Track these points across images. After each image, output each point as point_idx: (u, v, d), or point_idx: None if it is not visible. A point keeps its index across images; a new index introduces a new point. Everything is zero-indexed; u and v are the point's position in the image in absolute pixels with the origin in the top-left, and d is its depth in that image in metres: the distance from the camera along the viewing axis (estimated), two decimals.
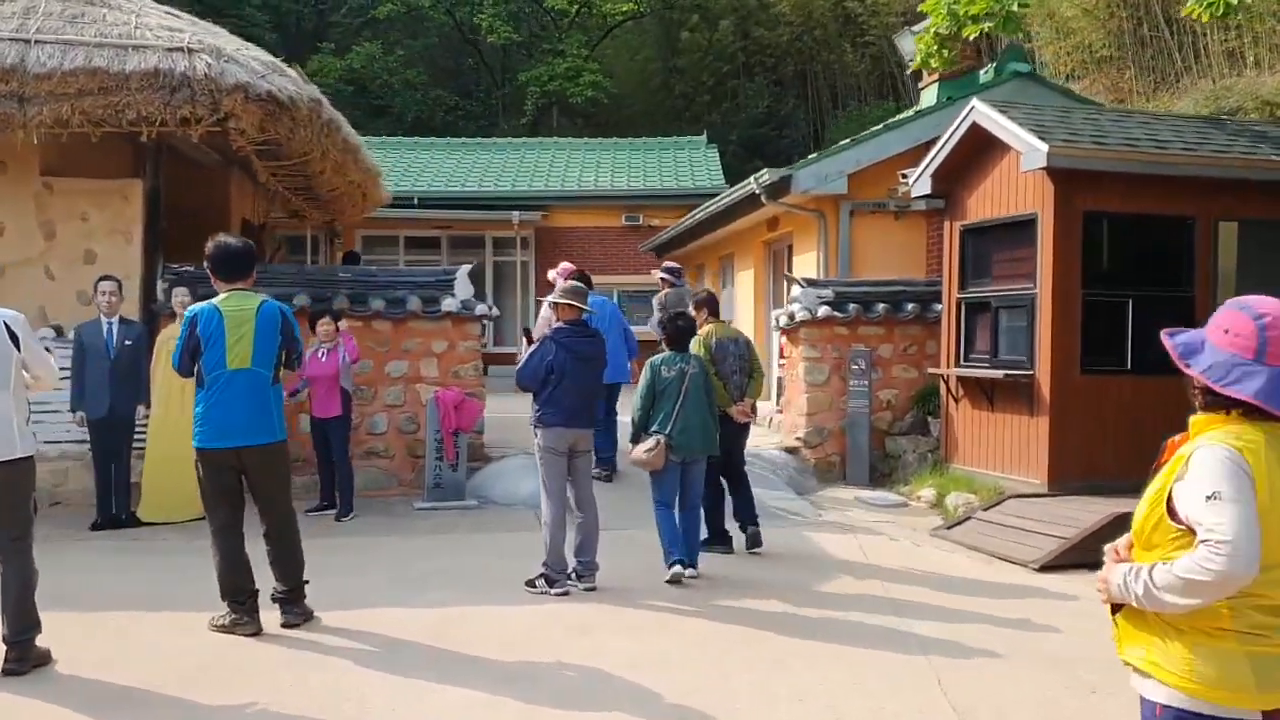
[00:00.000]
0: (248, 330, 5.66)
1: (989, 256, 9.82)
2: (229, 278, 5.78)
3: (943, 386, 10.43)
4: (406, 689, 4.84)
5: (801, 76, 32.11)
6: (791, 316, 11.27)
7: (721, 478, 7.94)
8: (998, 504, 8.75)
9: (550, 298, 6.93)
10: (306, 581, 5.91)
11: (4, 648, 4.99)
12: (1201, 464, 2.43)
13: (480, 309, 10.17)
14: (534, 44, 33.83)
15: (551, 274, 8.86)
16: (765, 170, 12.54)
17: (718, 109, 30.97)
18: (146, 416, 8.65)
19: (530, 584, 6.57)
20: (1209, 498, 2.38)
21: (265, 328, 5.72)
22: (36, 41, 8.54)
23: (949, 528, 8.70)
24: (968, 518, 8.76)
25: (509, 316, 20.81)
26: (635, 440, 7.03)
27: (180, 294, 8.80)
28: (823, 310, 11.03)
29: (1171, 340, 2.58)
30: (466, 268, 10.43)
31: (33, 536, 5.10)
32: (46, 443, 8.65)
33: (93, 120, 8.68)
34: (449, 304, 10.05)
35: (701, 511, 7.38)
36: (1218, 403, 2.52)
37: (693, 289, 8.61)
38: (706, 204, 15.50)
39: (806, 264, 13.06)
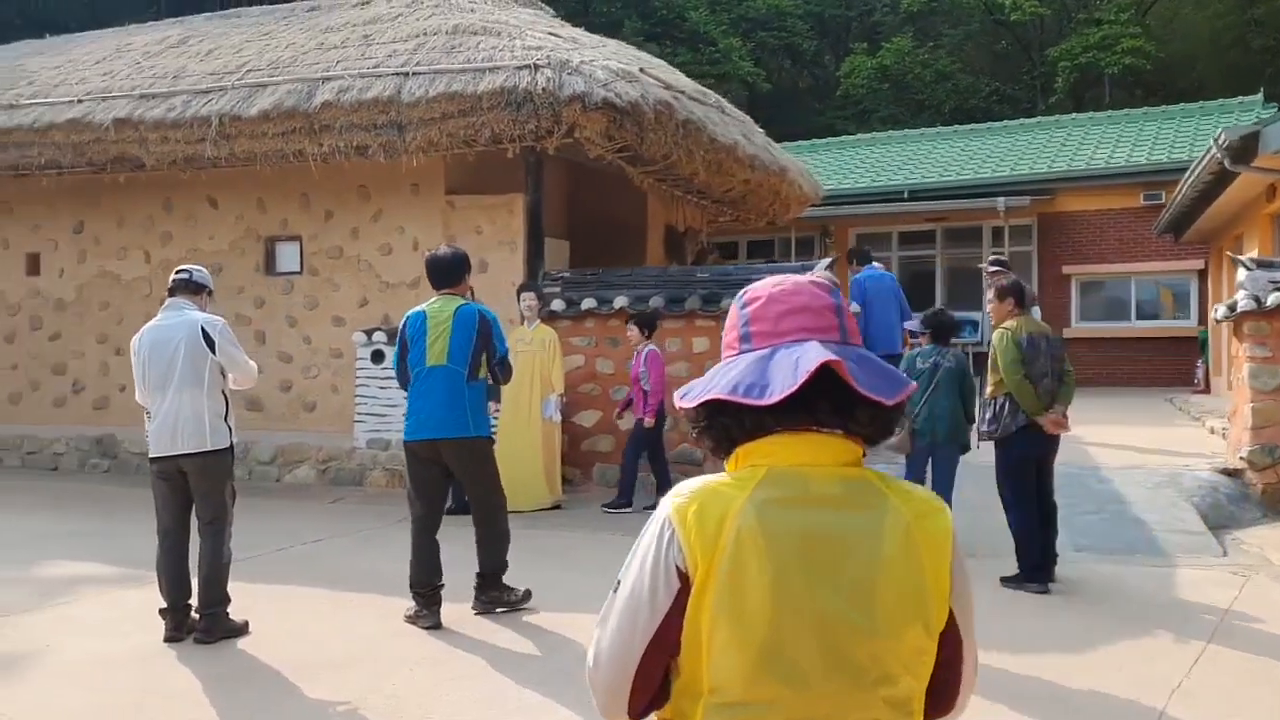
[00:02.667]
0: (445, 330, 5.86)
1: None
2: (438, 284, 6.08)
3: None
4: (488, 701, 4.66)
5: None
6: (1233, 306, 9.13)
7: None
8: None
9: None
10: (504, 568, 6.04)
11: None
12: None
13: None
14: (1067, 16, 31.01)
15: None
16: (1222, 130, 10.31)
17: None
18: (497, 411, 9.25)
19: None
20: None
21: (461, 329, 5.88)
22: (413, 74, 9.53)
23: None
24: None
25: None
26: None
27: (527, 298, 9.29)
28: (1274, 297, 8.79)
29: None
30: (826, 261, 9.85)
31: (228, 521, 5.67)
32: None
33: (458, 141, 9.50)
34: None
35: (951, 496, 7.14)
36: (719, 437, 1.60)
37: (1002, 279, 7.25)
38: (1189, 175, 13.12)
39: None
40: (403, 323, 6.03)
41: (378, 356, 10.28)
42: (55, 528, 8.41)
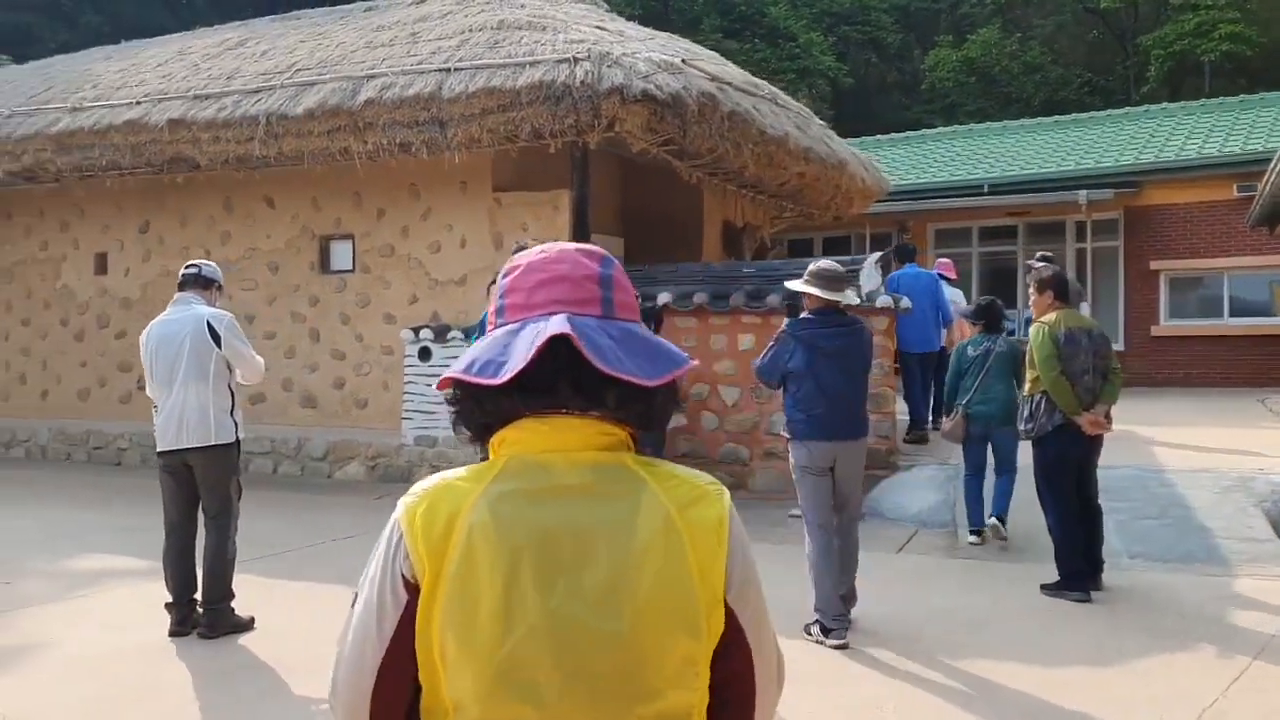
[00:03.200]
0: None
1: None
2: None
3: None
4: None
5: None
6: None
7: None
8: None
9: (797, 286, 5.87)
10: None
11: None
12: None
13: (882, 301, 9.20)
14: (1162, 2, 29.84)
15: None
16: None
17: None
18: None
19: (806, 630, 5.53)
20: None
21: None
22: (454, 69, 9.48)
23: None
24: None
25: (1104, 310, 18.66)
26: (946, 416, 7.71)
27: None
28: None
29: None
30: (875, 256, 9.53)
31: (233, 515, 5.65)
32: (443, 431, 9.65)
33: (499, 137, 9.42)
34: (848, 296, 9.20)
35: (1015, 475, 7.54)
36: (469, 423, 1.43)
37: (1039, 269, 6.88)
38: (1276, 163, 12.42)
39: None
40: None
41: (425, 354, 10.28)
42: (108, 521, 8.55)
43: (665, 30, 13.46)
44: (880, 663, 5.18)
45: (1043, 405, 6.32)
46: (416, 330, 10.34)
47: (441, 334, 10.14)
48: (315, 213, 11.29)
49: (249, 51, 11.45)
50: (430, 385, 10.16)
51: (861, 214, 17.81)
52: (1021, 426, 6.52)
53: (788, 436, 5.60)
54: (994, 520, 7.54)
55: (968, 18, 35.49)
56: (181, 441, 5.53)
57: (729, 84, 10.08)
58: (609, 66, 8.99)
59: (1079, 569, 6.28)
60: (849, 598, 5.62)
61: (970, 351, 7.56)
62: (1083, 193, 17.74)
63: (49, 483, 10.78)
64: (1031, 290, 6.60)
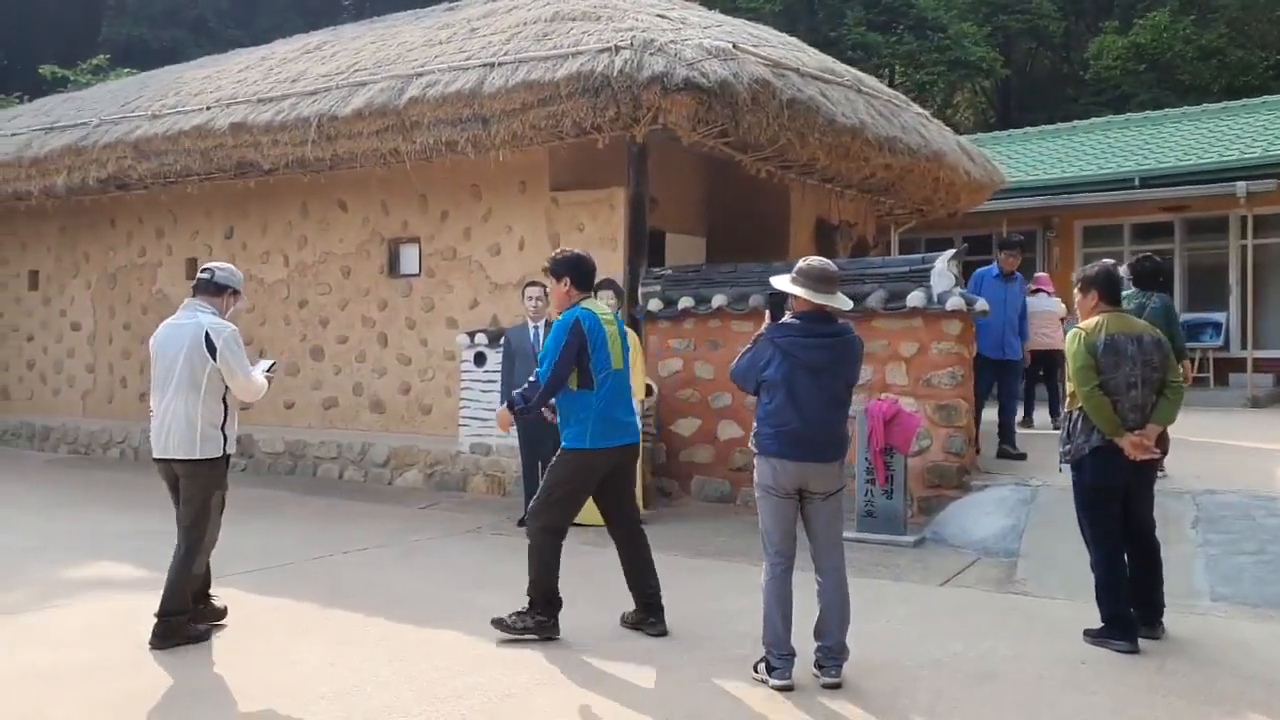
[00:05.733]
0: (615, 335, 5.65)
1: None
2: (588, 287, 5.74)
3: None
4: None
5: None
6: None
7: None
8: None
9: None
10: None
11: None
12: None
13: (953, 303, 8.32)
14: None
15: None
16: None
17: None
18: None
19: (755, 668, 4.92)
20: None
21: (622, 334, 5.76)
22: (498, 64, 9.11)
23: None
24: None
25: (1270, 314, 16.97)
26: None
27: (606, 296, 8.62)
28: None
29: None
30: (949, 253, 8.63)
31: (207, 530, 5.45)
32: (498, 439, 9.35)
33: (543, 133, 9.00)
34: (915, 298, 8.41)
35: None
36: None
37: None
38: None
39: None
40: (574, 320, 5.48)
41: (480, 359, 9.96)
42: (135, 527, 8.44)
43: (807, 24, 12.79)
44: (832, 714, 4.48)
45: (1080, 424, 5.45)
46: (472, 335, 10.03)
47: (495, 339, 9.78)
48: (384, 216, 11.14)
49: (321, 55, 11.41)
50: (485, 391, 9.84)
51: (999, 210, 16.76)
52: (1060, 448, 5.65)
53: (754, 451, 4.94)
54: None
55: (1139, 1, 33.13)
56: (168, 451, 5.43)
57: (794, 70, 9.37)
58: (651, 55, 8.45)
59: (1123, 614, 5.38)
60: (839, 651, 4.91)
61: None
62: (1241, 184, 16.05)
63: (129, 484, 10.90)
64: (1076, 291, 5.71)
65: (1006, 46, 33.19)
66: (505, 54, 9.21)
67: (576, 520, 5.76)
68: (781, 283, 4.95)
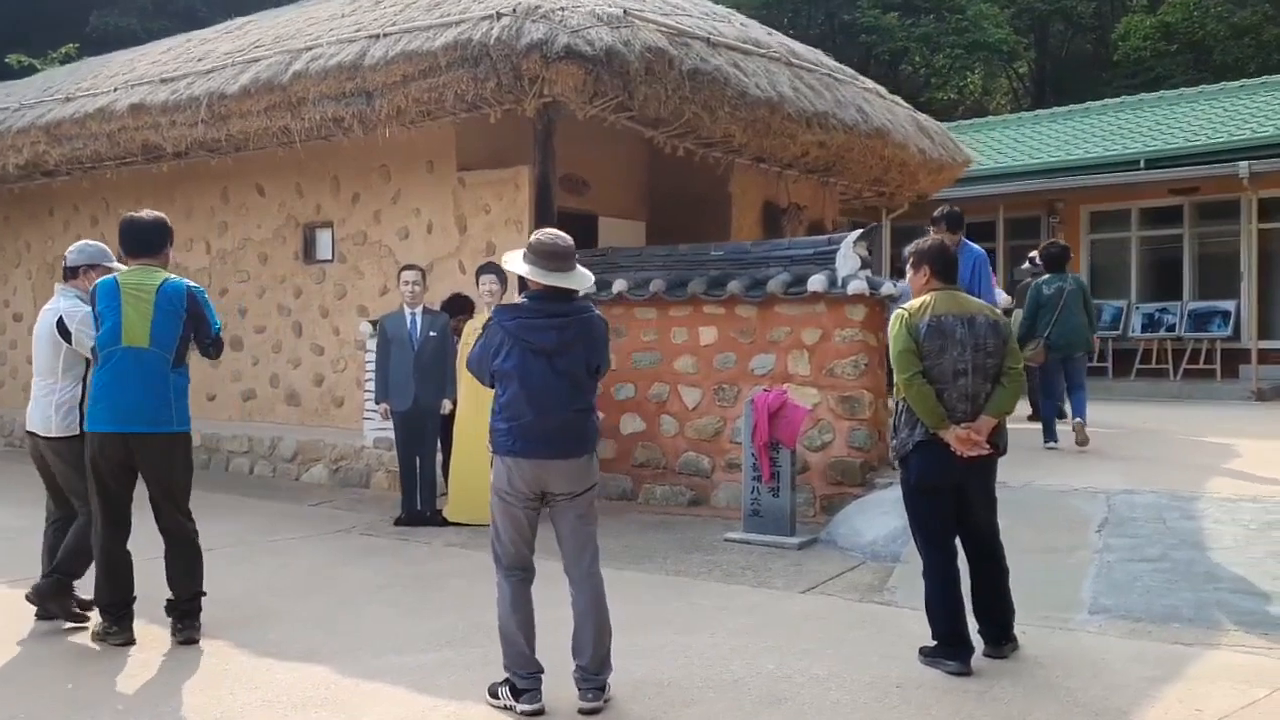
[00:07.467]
0: (147, 308, 5.04)
1: None
2: (136, 252, 5.25)
3: None
4: None
5: None
6: None
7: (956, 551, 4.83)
8: None
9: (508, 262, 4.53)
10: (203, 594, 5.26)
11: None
12: None
13: (855, 286, 7.64)
14: None
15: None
16: None
17: None
18: (452, 411, 8.16)
19: (492, 692, 4.32)
20: None
21: (166, 306, 5.08)
22: (383, 35, 8.58)
23: None
24: None
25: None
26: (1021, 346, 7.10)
27: (487, 280, 8.03)
28: None
29: None
30: (855, 234, 7.96)
31: (92, 512, 5.22)
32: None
33: (426, 107, 8.47)
34: (816, 281, 7.75)
35: (1086, 390, 8.89)
36: None
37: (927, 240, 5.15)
38: None
39: None
40: (91, 292, 5.15)
41: None
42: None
43: (824, 8, 12.11)
44: None
45: (905, 416, 4.80)
46: (374, 324, 9.53)
47: None
48: (298, 200, 10.70)
49: (236, 35, 10.99)
50: None
51: (998, 195, 16.02)
52: (890, 442, 5.01)
53: (490, 450, 4.36)
54: (1077, 420, 8.62)
55: None
56: (33, 425, 5.53)
57: (703, 39, 8.74)
58: (533, 21, 7.87)
59: (956, 632, 4.72)
60: (598, 670, 4.31)
61: (1045, 290, 8.74)
62: (1244, 164, 15.05)
63: None
64: (907, 266, 5.03)
65: (1039, 30, 32.06)
66: (394, 24, 8.68)
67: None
68: (512, 261, 4.34)
